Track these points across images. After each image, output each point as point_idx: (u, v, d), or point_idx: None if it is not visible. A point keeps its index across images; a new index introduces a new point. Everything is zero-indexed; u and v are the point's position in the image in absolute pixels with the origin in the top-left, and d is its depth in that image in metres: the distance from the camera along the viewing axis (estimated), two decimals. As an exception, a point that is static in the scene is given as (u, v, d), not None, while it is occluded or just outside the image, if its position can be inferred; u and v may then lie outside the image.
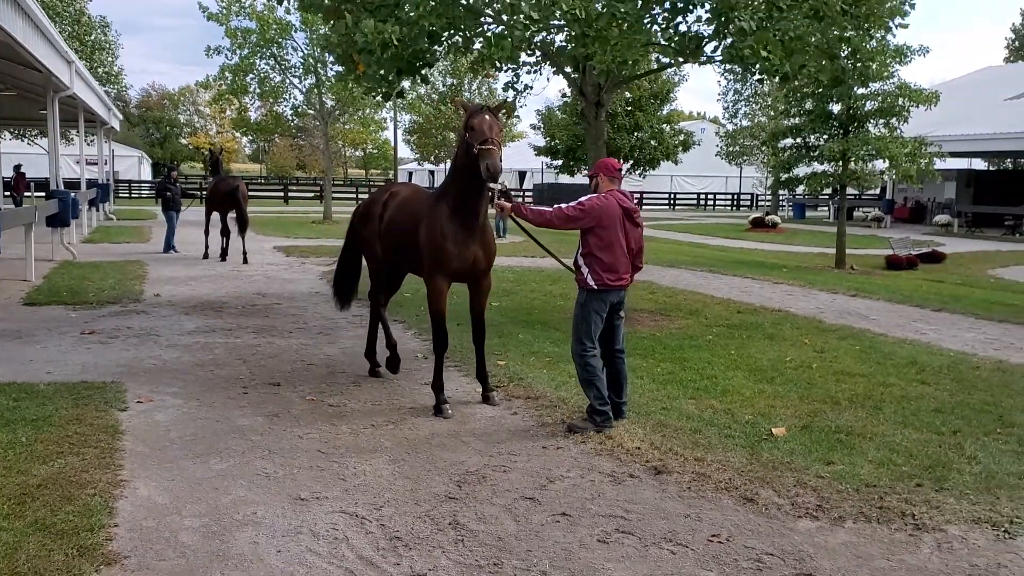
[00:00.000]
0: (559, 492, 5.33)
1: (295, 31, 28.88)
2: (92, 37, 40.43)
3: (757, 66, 9.28)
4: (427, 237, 7.03)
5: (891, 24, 10.67)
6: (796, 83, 14.46)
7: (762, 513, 5.04)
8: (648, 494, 5.32)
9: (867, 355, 9.46)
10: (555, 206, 6.59)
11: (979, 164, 46.24)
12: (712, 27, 9.14)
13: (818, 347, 9.83)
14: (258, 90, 30.10)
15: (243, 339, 9.82)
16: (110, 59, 42.80)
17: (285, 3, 11.43)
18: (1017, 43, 70.90)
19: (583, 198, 6.52)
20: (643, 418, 6.83)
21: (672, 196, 55.84)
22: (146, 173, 64.55)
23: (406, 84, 10.17)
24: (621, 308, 6.72)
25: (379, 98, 10.06)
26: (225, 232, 18.20)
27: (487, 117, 6.66)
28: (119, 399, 7.11)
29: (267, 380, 7.98)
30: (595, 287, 6.45)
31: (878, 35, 13.11)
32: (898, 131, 19.52)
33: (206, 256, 18.37)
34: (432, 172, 65.30)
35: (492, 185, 6.49)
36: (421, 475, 5.59)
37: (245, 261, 17.63)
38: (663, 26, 9.87)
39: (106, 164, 34.61)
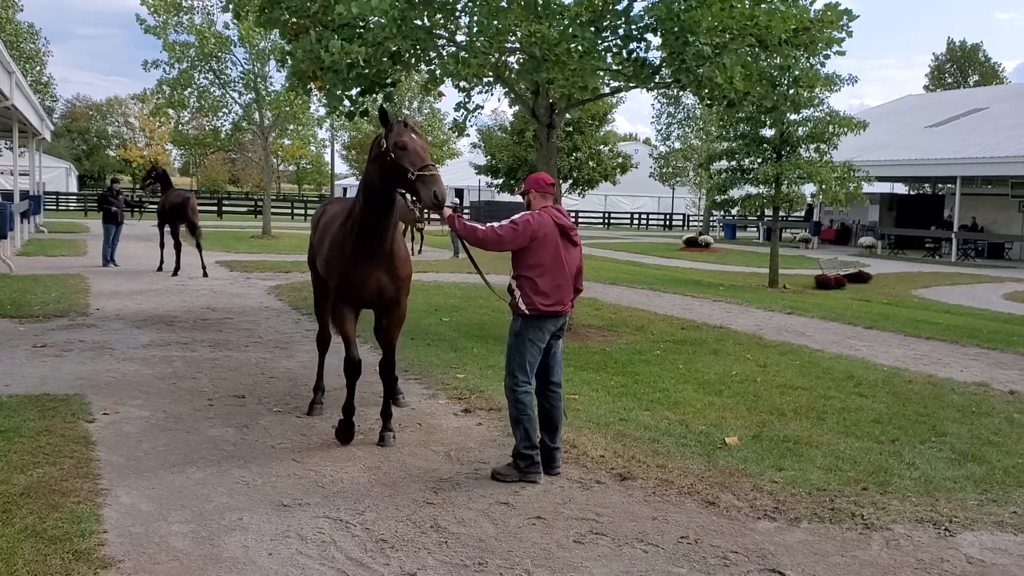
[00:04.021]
0: (531, 497, 5.58)
1: (234, 46, 28.70)
2: (21, 45, 39.67)
3: (706, 92, 9.72)
4: (332, 260, 6.60)
5: (829, 53, 11.20)
6: (742, 112, 15.04)
7: (724, 515, 5.36)
8: (616, 499, 5.60)
9: (807, 369, 9.93)
10: (487, 224, 5.95)
11: (901, 188, 48.07)
12: (667, 52, 9.54)
13: (761, 362, 10.27)
14: (197, 104, 29.81)
15: (200, 353, 9.85)
16: (39, 68, 42.03)
17: (241, 18, 11.55)
18: (936, 72, 73.99)
19: (516, 216, 5.95)
20: (603, 428, 7.13)
21: (607, 215, 56.74)
22: (73, 185, 63.17)
23: (369, 104, 10.37)
24: (561, 336, 6.14)
25: (343, 118, 10.25)
26: (178, 246, 18.08)
27: (415, 136, 5.96)
28: (85, 411, 7.14)
29: (230, 392, 8.07)
30: (528, 313, 5.84)
31: (813, 62, 13.75)
32: (827, 156, 20.37)
33: (160, 269, 18.26)
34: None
35: (447, 205, 5.89)
36: (397, 482, 5.79)
37: (205, 275, 17.56)
38: (615, 52, 10.27)
39: (36, 175, 33.84)
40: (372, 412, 7.13)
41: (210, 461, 6.08)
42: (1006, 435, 7.38)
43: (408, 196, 5.92)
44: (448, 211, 5.92)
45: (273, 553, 4.61)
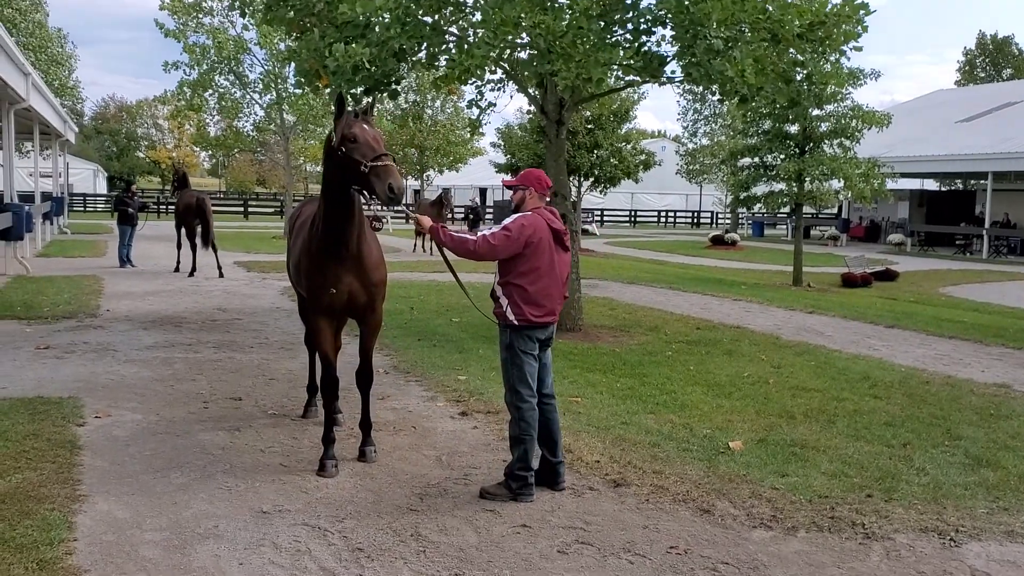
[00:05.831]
0: (519, 505, 5.38)
1: (252, 45, 28.69)
2: (49, 50, 40.04)
3: (716, 87, 9.49)
4: (298, 268, 6.23)
5: (845, 48, 10.91)
6: (753, 104, 14.76)
7: (718, 524, 5.15)
8: (607, 506, 5.40)
9: (822, 370, 9.65)
10: (479, 234, 5.55)
11: (931, 185, 47.24)
12: (677, 46, 9.34)
13: (775, 363, 10.00)
14: (217, 106, 29.89)
15: (203, 354, 9.77)
16: (66, 72, 42.40)
17: (247, 16, 11.48)
18: (968, 67, 72.74)
19: (507, 221, 5.53)
20: (603, 432, 6.93)
21: (633, 213, 56.35)
22: (102, 186, 63.89)
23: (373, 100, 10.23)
24: (550, 345, 5.78)
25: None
26: (194, 247, 18.11)
27: (366, 127, 5.50)
28: (76, 414, 7.06)
29: (228, 395, 7.96)
30: (516, 323, 5.49)
31: (832, 59, 13.46)
32: (851, 152, 19.98)
33: (177, 270, 18.30)
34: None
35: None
36: (383, 488, 5.63)
37: (220, 275, 17.55)
38: (626, 46, 10.05)
39: (60, 177, 34.20)
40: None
41: (195, 466, 5.96)
42: (1024, 439, 7.08)
43: (365, 194, 5.54)
44: (427, 222, 5.69)
45: (244, 563, 4.46)
